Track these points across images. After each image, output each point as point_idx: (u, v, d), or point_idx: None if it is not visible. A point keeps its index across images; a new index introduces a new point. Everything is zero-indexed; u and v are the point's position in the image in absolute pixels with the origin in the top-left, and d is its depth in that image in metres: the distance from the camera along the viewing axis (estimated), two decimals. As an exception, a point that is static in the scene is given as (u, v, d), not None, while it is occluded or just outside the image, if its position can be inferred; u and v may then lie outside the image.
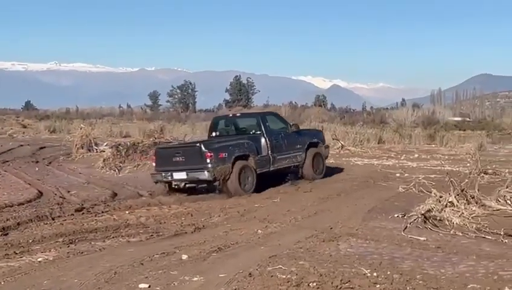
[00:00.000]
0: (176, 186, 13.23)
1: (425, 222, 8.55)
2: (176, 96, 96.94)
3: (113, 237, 8.02)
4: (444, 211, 8.85)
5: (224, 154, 12.95)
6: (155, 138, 18.72)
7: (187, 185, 13.30)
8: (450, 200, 9.04)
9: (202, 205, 10.92)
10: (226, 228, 8.68)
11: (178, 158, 13.09)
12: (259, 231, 8.36)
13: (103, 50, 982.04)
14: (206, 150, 12.75)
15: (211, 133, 15.47)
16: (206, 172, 12.58)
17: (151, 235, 8.17)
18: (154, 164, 13.57)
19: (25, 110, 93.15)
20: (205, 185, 13.23)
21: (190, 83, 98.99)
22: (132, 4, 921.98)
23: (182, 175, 12.86)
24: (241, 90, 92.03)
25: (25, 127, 44.08)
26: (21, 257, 6.83)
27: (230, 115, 17.23)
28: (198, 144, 13.40)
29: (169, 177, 12.95)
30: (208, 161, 12.59)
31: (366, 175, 15.93)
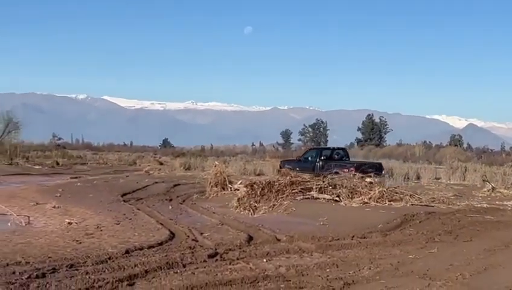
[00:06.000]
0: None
1: None
2: (308, 135, 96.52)
3: (250, 292, 6.93)
4: None
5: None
6: (291, 177, 17.54)
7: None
8: None
9: (348, 254, 9.59)
10: (381, 285, 7.32)
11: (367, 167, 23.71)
12: (422, 291, 6.94)
13: (237, 89, 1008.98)
14: (382, 165, 26.64)
15: (321, 157, 27.38)
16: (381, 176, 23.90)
17: (294, 292, 6.99)
18: (353, 170, 22.38)
19: (163, 147, 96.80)
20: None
21: (322, 122, 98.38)
22: (268, 43, 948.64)
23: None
24: (373, 129, 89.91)
25: (161, 164, 44.83)
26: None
27: (331, 148, 31.35)
28: (379, 162, 28.53)
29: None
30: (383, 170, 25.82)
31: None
